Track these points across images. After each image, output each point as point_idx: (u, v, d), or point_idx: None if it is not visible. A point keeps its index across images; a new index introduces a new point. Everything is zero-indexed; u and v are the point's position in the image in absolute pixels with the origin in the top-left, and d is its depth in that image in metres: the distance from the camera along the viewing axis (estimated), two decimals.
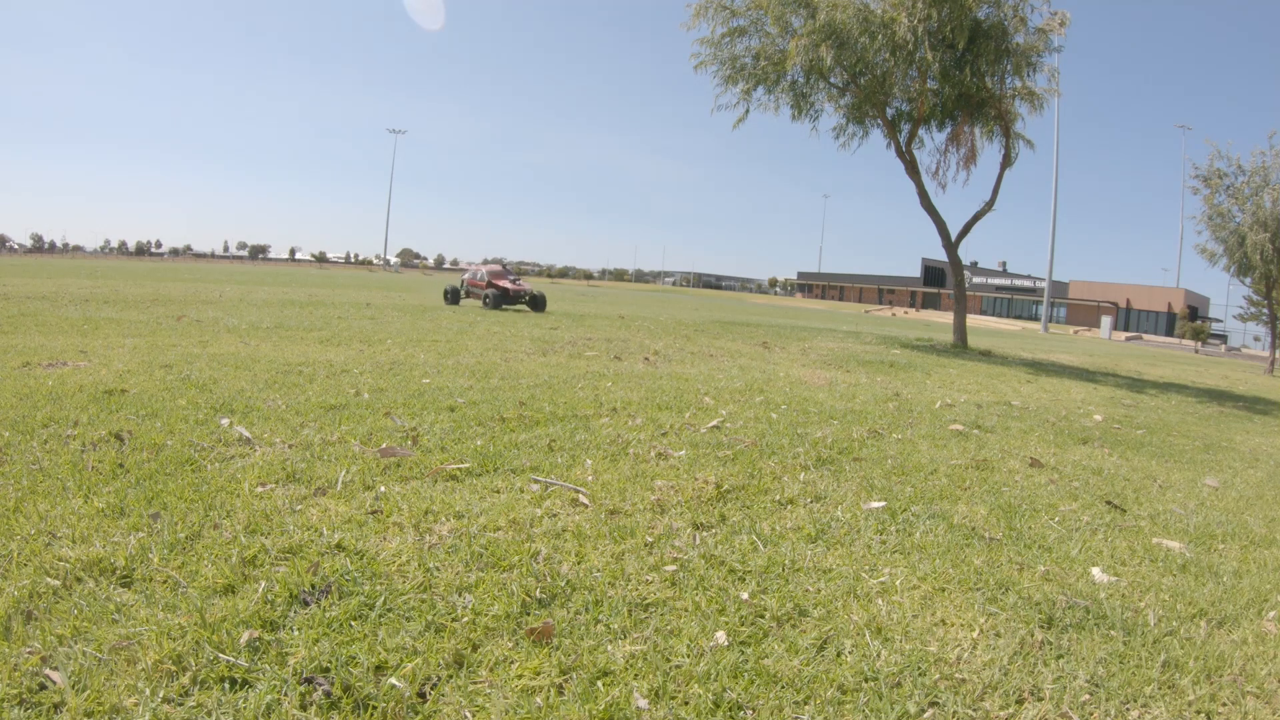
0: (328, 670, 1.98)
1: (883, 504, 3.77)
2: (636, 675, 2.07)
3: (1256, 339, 47.89)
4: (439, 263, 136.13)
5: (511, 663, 2.10)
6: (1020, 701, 2.11)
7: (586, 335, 12.91)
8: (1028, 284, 73.67)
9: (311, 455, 3.85)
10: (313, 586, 2.40)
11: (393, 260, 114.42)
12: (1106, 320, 59.38)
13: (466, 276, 21.44)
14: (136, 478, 3.32)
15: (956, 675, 2.20)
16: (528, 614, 2.35)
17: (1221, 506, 4.58)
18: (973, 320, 45.19)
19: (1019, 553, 3.27)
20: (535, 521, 3.13)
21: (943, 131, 18.49)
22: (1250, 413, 10.68)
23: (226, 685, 1.90)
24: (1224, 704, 2.21)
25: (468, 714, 1.88)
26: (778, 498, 3.77)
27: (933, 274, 79.49)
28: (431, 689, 1.96)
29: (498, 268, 21.11)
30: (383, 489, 3.40)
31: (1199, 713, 2.16)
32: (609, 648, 2.20)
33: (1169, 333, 58.77)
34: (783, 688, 2.07)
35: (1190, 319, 58.11)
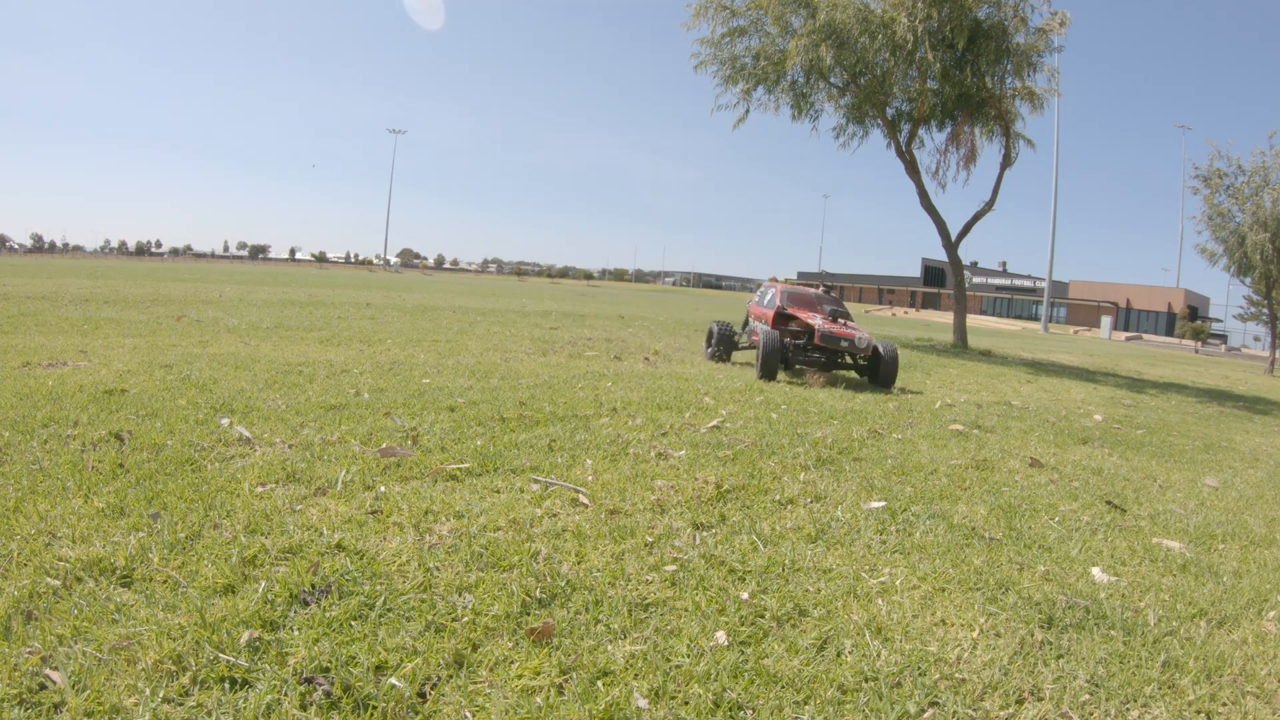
0: (328, 670, 1.98)
1: (883, 504, 3.77)
2: (636, 675, 2.07)
3: (1256, 339, 47.84)
4: (439, 263, 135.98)
5: (511, 663, 2.10)
6: (1020, 701, 2.11)
7: (586, 335, 12.90)
8: (1028, 284, 73.59)
9: (311, 455, 3.85)
10: (313, 586, 2.40)
11: (393, 260, 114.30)
12: (1106, 320, 59.36)
13: (752, 302, 11.42)
14: (136, 478, 3.32)
15: (956, 675, 2.20)
16: (528, 614, 2.35)
17: (1221, 506, 4.58)
18: (973, 320, 45.15)
19: (1019, 553, 3.27)
20: (535, 521, 3.13)
21: (943, 131, 18.55)
22: (1250, 413, 10.69)
23: (226, 685, 1.91)
24: (1224, 704, 2.21)
25: (468, 714, 1.88)
26: (778, 498, 3.77)
27: (933, 274, 79.43)
28: (431, 689, 1.97)
29: (806, 291, 10.32)
30: (383, 489, 3.40)
31: (1199, 713, 2.16)
32: (609, 648, 2.20)
33: (1169, 333, 58.70)
34: (783, 688, 2.07)
35: (1190, 319, 58.05)
